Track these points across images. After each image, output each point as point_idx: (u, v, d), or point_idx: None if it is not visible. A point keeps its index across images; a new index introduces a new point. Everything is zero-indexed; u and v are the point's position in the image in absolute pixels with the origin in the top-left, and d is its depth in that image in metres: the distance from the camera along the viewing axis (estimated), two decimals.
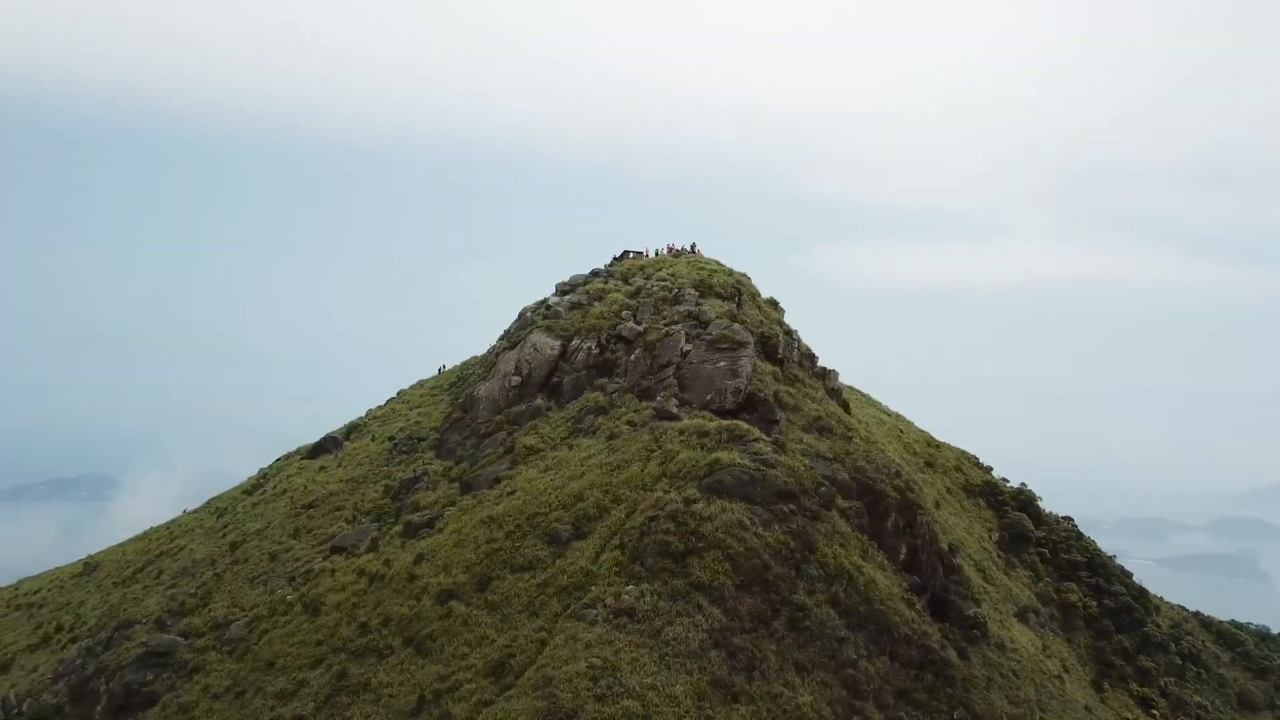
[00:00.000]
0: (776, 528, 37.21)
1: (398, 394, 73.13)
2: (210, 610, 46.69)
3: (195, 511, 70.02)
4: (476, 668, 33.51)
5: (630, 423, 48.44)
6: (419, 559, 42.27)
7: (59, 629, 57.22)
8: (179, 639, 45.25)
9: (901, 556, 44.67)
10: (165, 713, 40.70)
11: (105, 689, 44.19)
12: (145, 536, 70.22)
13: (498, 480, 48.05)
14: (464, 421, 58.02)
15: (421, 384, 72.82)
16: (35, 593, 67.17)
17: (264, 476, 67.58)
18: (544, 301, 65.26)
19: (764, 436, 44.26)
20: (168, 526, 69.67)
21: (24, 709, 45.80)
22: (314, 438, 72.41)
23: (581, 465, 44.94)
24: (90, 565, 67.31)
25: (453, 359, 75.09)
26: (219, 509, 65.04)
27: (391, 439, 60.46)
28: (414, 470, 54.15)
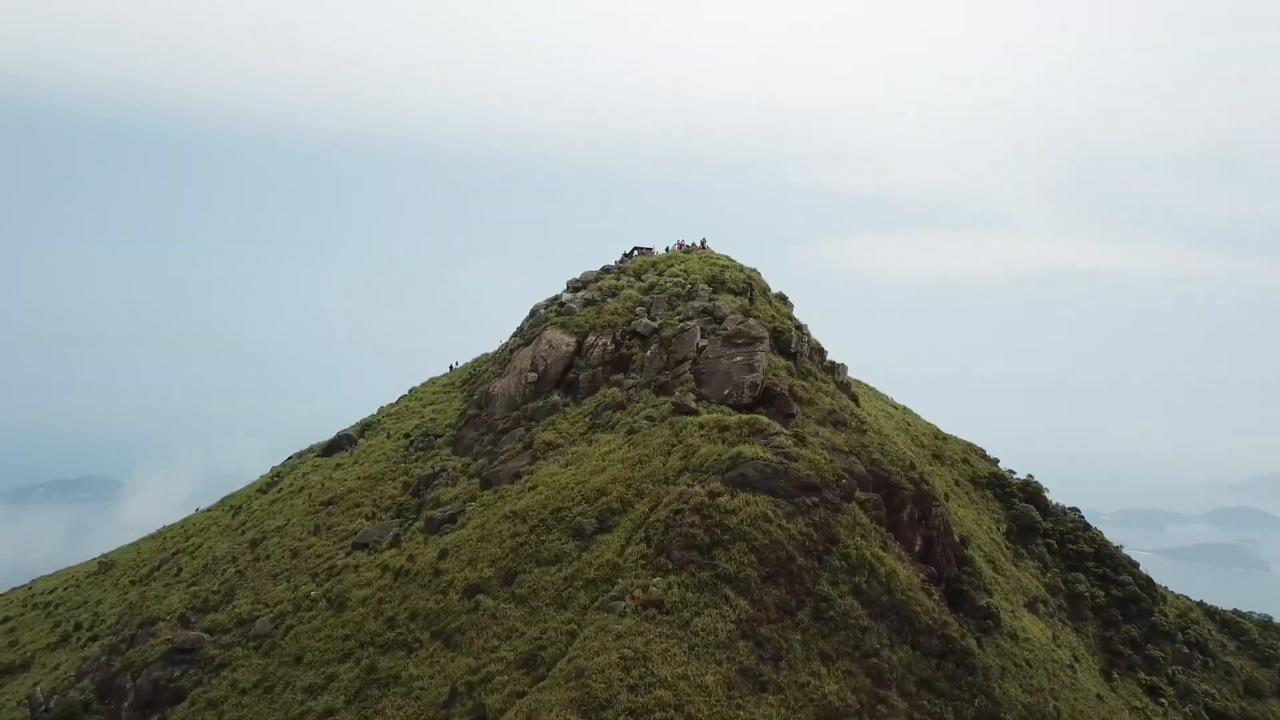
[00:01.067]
0: (800, 520, 37.71)
1: (410, 391, 73.62)
2: (234, 607, 47.13)
3: (209, 510, 70.48)
4: (507, 660, 34.00)
5: (649, 418, 48.91)
6: (443, 554, 42.73)
7: (78, 627, 57.74)
8: (205, 635, 45.70)
9: (917, 548, 45.22)
10: (194, 708, 41.15)
11: (132, 685, 44.64)
12: (159, 535, 70.75)
13: (518, 475, 48.55)
14: (480, 418, 58.52)
15: (433, 381, 73.30)
16: (50, 592, 67.69)
17: (278, 475, 68.03)
18: (557, 298, 65.76)
19: (784, 430, 44.76)
20: (182, 525, 70.19)
21: (51, 706, 46.26)
22: (316, 437, 73.07)
23: (602, 460, 45.41)
24: (105, 564, 67.83)
25: (452, 357, 75.74)
26: (234, 507, 65.50)
27: (407, 436, 60.91)
28: (432, 466, 54.61)
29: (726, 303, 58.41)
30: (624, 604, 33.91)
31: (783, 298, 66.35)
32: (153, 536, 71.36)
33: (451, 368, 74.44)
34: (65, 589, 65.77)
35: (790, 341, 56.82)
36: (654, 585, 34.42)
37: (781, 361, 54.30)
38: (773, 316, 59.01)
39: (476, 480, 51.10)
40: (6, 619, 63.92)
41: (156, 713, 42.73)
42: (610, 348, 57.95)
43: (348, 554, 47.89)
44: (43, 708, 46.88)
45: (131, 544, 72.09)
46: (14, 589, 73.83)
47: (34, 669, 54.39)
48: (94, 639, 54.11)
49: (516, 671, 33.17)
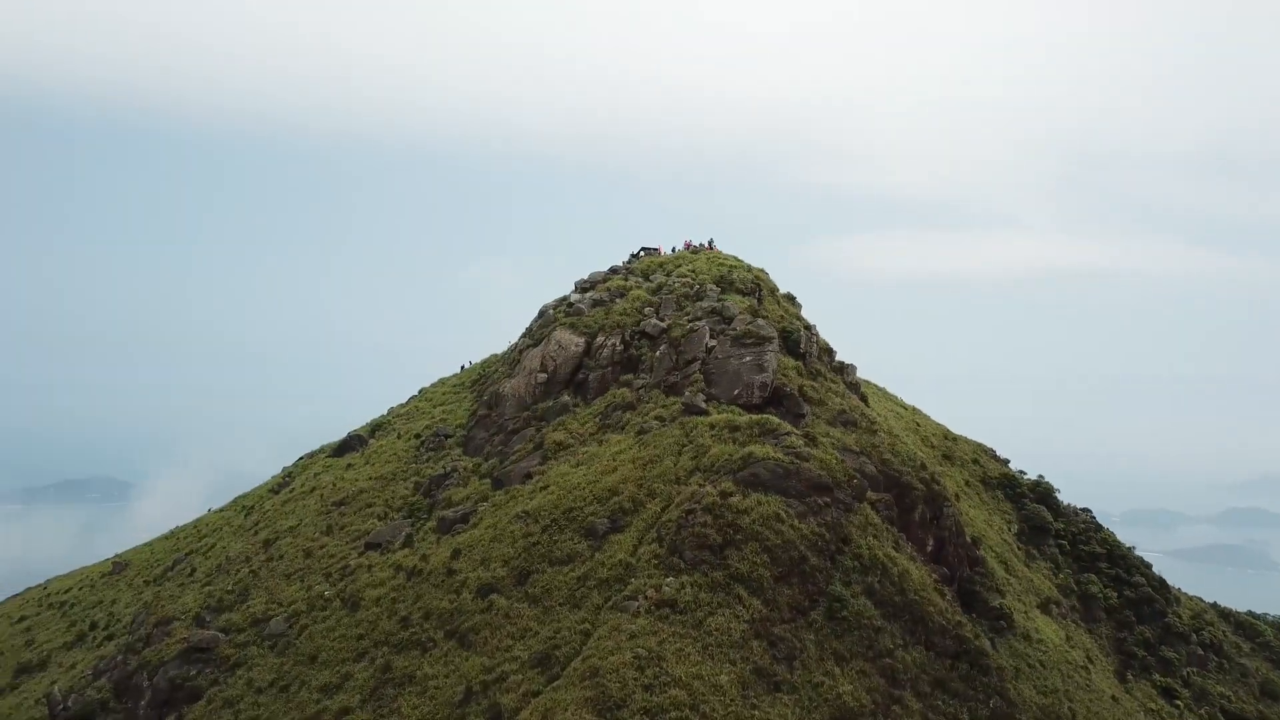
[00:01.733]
0: (811, 520, 37.78)
1: (420, 392, 73.82)
2: (249, 606, 47.37)
3: (221, 510, 70.80)
4: (522, 659, 34.14)
5: (659, 418, 49.02)
6: (456, 554, 42.91)
7: (93, 626, 58.08)
8: (220, 635, 45.95)
9: (929, 548, 45.22)
10: (210, 707, 41.39)
11: (149, 684, 44.91)
12: (172, 535, 71.09)
13: (529, 475, 48.69)
14: (490, 418, 58.66)
15: (443, 382, 73.48)
16: (65, 592, 68.11)
17: (289, 475, 68.28)
18: (565, 299, 65.86)
19: (795, 430, 44.83)
20: (194, 525, 70.51)
21: (69, 704, 46.56)
22: (322, 437, 73.32)
23: (613, 460, 45.52)
24: (119, 564, 68.17)
25: (451, 357, 76.14)
26: (246, 507, 65.78)
27: (418, 436, 61.09)
28: (443, 467, 54.79)
29: (735, 303, 58.49)
30: (637, 604, 34.02)
31: (791, 298, 66.42)
32: (166, 536, 71.69)
33: (463, 368, 74.64)
34: (80, 589, 66.17)
35: (799, 342, 56.90)
36: (667, 585, 34.53)
37: (791, 362, 54.36)
38: (781, 316, 59.10)
39: (488, 480, 51.28)
40: (23, 618, 64.36)
41: (173, 711, 42.99)
42: (619, 348, 58.07)
43: (360, 554, 48.10)
44: (61, 706, 47.20)
45: (144, 544, 72.44)
46: (29, 589, 74.32)
47: (51, 668, 54.76)
48: (110, 638, 54.45)
49: (531, 671, 33.31)
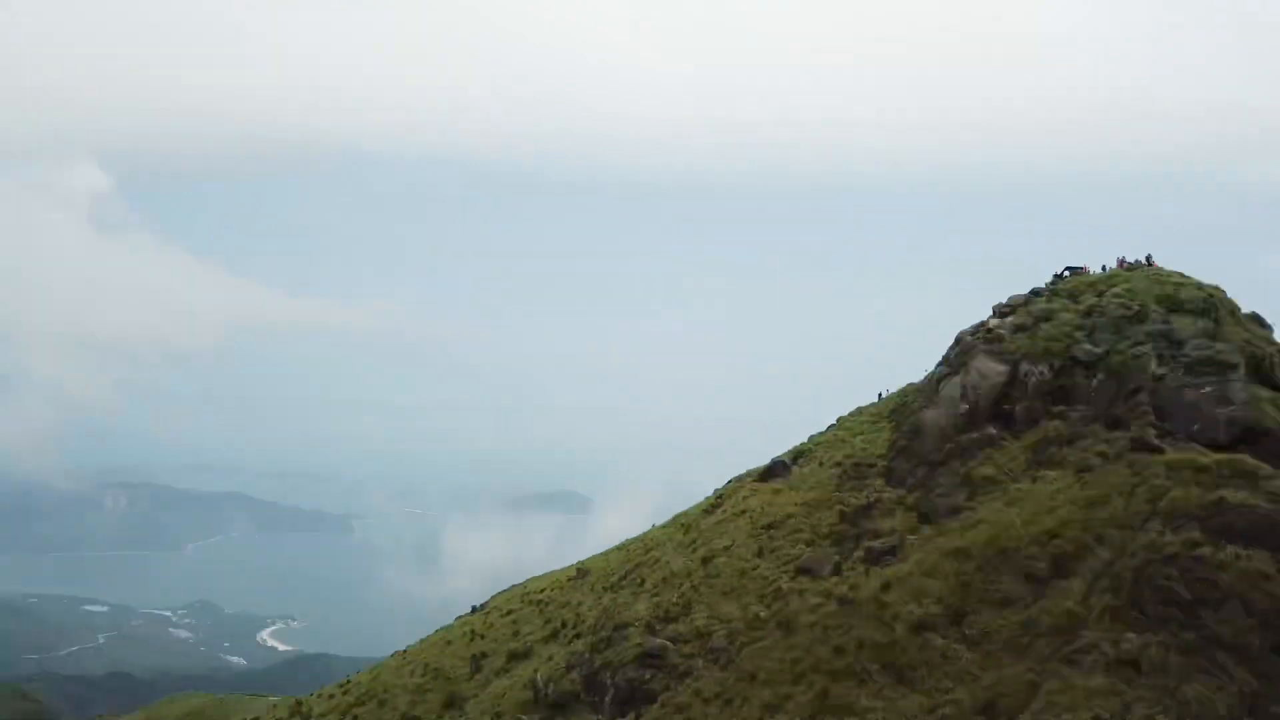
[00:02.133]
0: None
1: (837, 420, 75.74)
2: (692, 619, 52.38)
3: (663, 527, 78.79)
4: (963, 703, 33.84)
5: (1102, 454, 45.29)
6: (886, 586, 43.61)
7: (564, 625, 68.01)
8: (668, 644, 51.48)
9: None
10: (664, 710, 46.51)
11: (611, 683, 51.77)
12: (623, 547, 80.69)
13: (957, 510, 47.83)
14: (911, 449, 58.41)
15: (860, 411, 74.59)
16: (541, 591, 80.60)
17: (720, 497, 73.97)
18: (983, 324, 63.47)
19: (1277, 473, 38.74)
20: (640, 539, 79.32)
21: (549, 692, 55.39)
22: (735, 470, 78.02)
23: (1051, 499, 43.06)
24: (582, 571, 79.13)
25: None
26: (684, 525, 72.57)
27: (838, 464, 62.81)
28: (866, 497, 55.79)
29: (1184, 325, 52.06)
30: (1091, 659, 31.98)
31: (1257, 319, 57.22)
32: (618, 548, 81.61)
33: (880, 396, 75.23)
34: (552, 590, 77.92)
35: (1272, 369, 48.95)
36: (1127, 642, 31.97)
37: (1265, 393, 46.95)
38: (1246, 341, 51.35)
39: (913, 513, 51.24)
40: (510, 612, 77.53)
41: (633, 710, 48.99)
42: (1048, 377, 54.56)
43: (792, 578, 50.80)
44: (543, 692, 56.26)
45: (601, 554, 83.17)
46: (513, 586, 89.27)
47: (533, 658, 65.28)
48: (577, 636, 63.45)
49: (975, 717, 32.88)
